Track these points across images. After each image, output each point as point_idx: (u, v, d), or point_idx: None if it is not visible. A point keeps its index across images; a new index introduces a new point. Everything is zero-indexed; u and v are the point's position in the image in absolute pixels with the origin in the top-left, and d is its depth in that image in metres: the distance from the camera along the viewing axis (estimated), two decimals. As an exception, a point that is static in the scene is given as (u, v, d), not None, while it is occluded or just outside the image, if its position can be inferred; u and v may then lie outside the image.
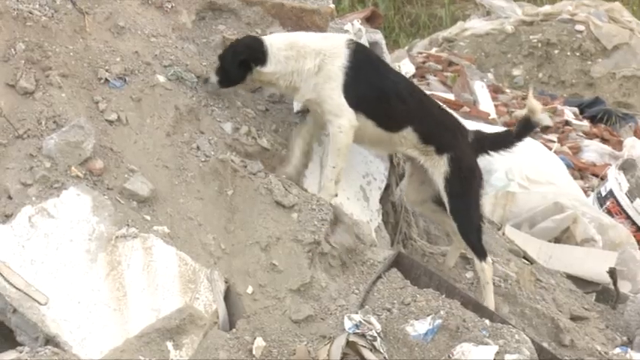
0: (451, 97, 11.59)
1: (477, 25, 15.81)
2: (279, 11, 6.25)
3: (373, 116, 5.48)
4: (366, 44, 7.04)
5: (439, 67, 13.31)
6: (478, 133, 5.80)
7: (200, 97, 5.66)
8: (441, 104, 6.15)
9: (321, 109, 5.50)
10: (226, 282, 4.99)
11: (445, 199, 5.58)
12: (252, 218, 5.25)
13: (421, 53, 14.46)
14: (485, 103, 12.30)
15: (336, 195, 5.54)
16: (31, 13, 5.47)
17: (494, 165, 8.27)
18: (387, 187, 6.24)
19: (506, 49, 15.62)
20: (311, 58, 5.45)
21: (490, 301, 5.63)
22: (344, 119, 5.39)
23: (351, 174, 5.91)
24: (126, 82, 5.47)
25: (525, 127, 5.79)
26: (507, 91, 13.87)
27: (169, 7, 5.99)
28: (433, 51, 14.76)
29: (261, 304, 4.99)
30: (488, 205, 8.13)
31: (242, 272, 5.07)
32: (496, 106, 12.50)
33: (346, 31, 7.15)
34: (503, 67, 15.48)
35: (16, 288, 4.52)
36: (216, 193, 5.30)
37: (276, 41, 5.57)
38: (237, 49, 5.58)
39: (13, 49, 5.29)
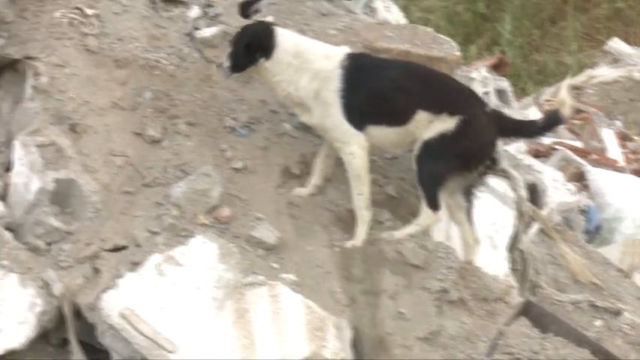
0: (579, 144, 11.32)
1: (605, 72, 15.47)
2: (406, 59, 6.18)
3: (381, 120, 5.27)
4: (493, 92, 6.95)
5: (567, 114, 13.02)
6: (497, 111, 5.56)
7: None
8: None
9: (328, 137, 5.32)
10: (353, 330, 4.89)
11: (419, 145, 5.25)
12: (379, 267, 5.15)
13: (549, 101, 14.20)
14: (614, 150, 11.97)
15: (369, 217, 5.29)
16: (158, 62, 5.56)
17: (622, 213, 8.03)
18: (515, 235, 6.08)
19: (635, 97, 15.24)
20: (308, 79, 5.19)
21: (405, 232, 5.27)
22: (354, 145, 5.19)
23: (479, 222, 5.76)
24: (252, 130, 5.48)
25: (552, 120, 5.43)
26: (636, 138, 13.49)
27: (295, 55, 5.99)
28: (561, 99, 14.47)
29: (389, 353, 4.87)
30: (617, 252, 7.86)
31: (369, 320, 4.97)
32: (624, 153, 12.16)
33: (473, 79, 7.08)
34: (632, 114, 15.08)
35: (145, 336, 4.51)
36: (343, 241, 5.23)
37: (287, 41, 5.25)
38: (245, 32, 5.29)
39: (140, 98, 5.38)
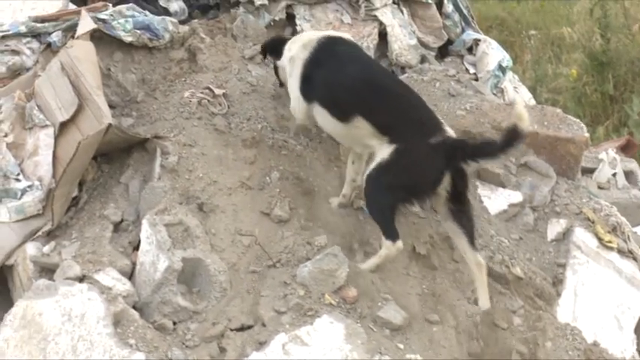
0: None
1: None
2: (534, 139, 6.14)
3: (326, 105, 5.31)
4: (621, 173, 6.77)
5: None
6: (458, 141, 5.20)
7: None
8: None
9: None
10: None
11: (364, 177, 5.19)
12: (505, 345, 5.07)
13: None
14: None
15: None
16: (285, 141, 5.58)
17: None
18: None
19: None
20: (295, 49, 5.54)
21: (368, 266, 5.14)
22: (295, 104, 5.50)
23: (605, 303, 5.64)
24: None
25: (511, 137, 4.90)
26: None
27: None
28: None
29: None
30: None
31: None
32: None
33: (601, 160, 6.92)
34: None
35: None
36: (470, 323, 5.10)
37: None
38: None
39: (268, 178, 5.39)
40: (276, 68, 5.88)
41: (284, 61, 5.61)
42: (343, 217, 5.38)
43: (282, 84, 5.88)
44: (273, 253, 5.08)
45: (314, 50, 5.41)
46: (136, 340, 4.59)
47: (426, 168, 5.09)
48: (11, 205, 5.22)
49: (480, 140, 5.58)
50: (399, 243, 5.09)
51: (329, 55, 5.39)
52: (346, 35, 5.81)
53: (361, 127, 5.19)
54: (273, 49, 5.85)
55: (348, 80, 5.27)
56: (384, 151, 5.10)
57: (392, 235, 5.10)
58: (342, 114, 5.26)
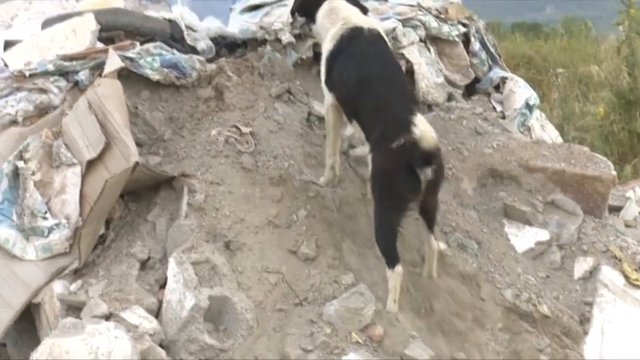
0: None
1: None
2: (561, 178, 6.14)
3: (341, 94, 5.48)
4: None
5: None
6: (421, 144, 4.99)
7: (481, 263, 5.53)
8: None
9: None
10: None
11: None
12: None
13: None
14: None
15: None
16: (313, 182, 5.58)
17: None
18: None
19: None
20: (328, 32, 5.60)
21: (390, 305, 5.09)
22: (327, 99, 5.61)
23: (632, 341, 5.58)
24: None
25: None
26: None
27: (450, 174, 5.98)
28: None
29: None
30: None
31: None
32: None
33: (628, 198, 6.86)
34: None
35: None
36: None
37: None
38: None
39: (295, 216, 5.38)
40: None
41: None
42: (367, 258, 5.35)
43: None
44: (299, 291, 5.06)
45: (337, 43, 5.50)
46: (162, 378, 4.60)
47: (388, 172, 5.07)
48: (38, 243, 5.23)
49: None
50: (398, 268, 5.09)
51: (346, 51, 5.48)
52: (375, 23, 5.77)
53: (357, 129, 5.38)
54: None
55: (350, 82, 5.36)
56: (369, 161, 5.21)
57: (392, 261, 5.11)
58: (350, 110, 5.42)
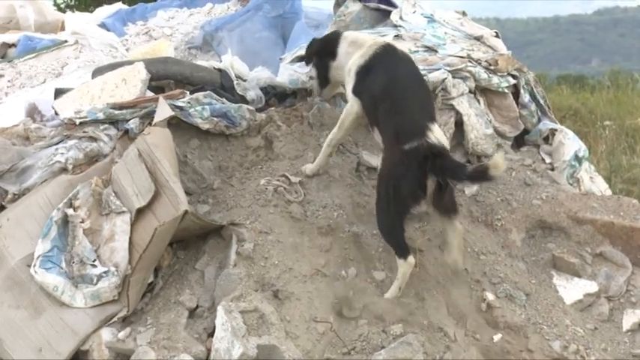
0: None
1: None
2: (610, 230, 6.09)
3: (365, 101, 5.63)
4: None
5: None
6: (435, 148, 5.18)
7: (529, 314, 5.48)
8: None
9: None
10: None
11: None
12: None
13: None
14: None
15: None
16: (362, 233, 5.57)
17: None
18: None
19: None
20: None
21: (394, 292, 5.33)
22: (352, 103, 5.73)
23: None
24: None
25: (480, 174, 5.05)
26: None
27: (499, 224, 5.94)
28: None
29: None
30: None
31: None
32: None
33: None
34: None
35: None
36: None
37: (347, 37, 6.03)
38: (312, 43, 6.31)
39: (344, 272, 5.38)
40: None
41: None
42: (416, 308, 5.32)
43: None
44: (348, 341, 5.03)
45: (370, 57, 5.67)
46: None
47: (395, 174, 5.23)
48: (87, 290, 5.25)
49: (453, 160, 5.45)
50: (411, 259, 5.28)
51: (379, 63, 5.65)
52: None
53: (376, 136, 5.50)
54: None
55: (377, 87, 5.52)
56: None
57: (402, 252, 5.28)
58: (371, 117, 5.59)
